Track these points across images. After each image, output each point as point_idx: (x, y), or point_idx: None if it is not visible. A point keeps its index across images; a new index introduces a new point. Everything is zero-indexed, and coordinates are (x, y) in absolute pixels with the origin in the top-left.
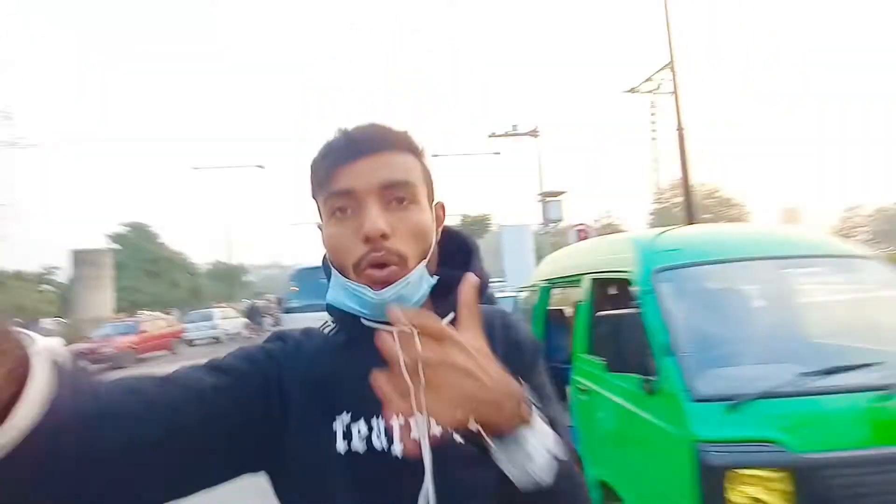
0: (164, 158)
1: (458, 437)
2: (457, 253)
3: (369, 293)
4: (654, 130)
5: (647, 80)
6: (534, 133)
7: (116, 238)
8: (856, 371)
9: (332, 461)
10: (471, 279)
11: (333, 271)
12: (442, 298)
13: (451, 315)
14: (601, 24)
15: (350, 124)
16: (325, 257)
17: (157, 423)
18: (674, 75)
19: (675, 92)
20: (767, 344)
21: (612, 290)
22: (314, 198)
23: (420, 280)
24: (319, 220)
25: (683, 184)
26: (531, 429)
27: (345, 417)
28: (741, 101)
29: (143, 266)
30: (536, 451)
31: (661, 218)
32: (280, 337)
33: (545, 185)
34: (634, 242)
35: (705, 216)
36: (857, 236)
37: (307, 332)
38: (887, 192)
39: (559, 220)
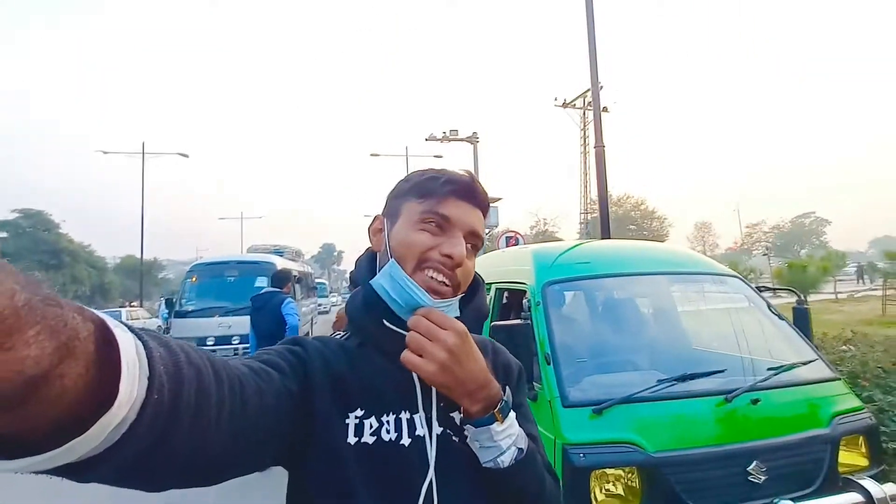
0: (69, 140)
1: (454, 435)
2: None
3: (426, 298)
4: (584, 144)
5: (579, 96)
6: (473, 139)
7: (4, 225)
8: (705, 378)
9: (343, 453)
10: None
11: (391, 262)
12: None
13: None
14: (545, 38)
15: (465, 168)
16: (367, 253)
17: (233, 399)
18: (596, 95)
19: (595, 111)
20: (637, 353)
21: (513, 300)
22: (398, 199)
23: (454, 307)
24: (385, 215)
25: (599, 199)
26: (500, 422)
27: (358, 413)
28: (668, 123)
29: (38, 258)
30: (502, 440)
31: (591, 227)
32: (299, 342)
33: None
34: (533, 256)
35: (631, 227)
36: (756, 249)
37: (323, 340)
38: (783, 212)
39: (495, 227)
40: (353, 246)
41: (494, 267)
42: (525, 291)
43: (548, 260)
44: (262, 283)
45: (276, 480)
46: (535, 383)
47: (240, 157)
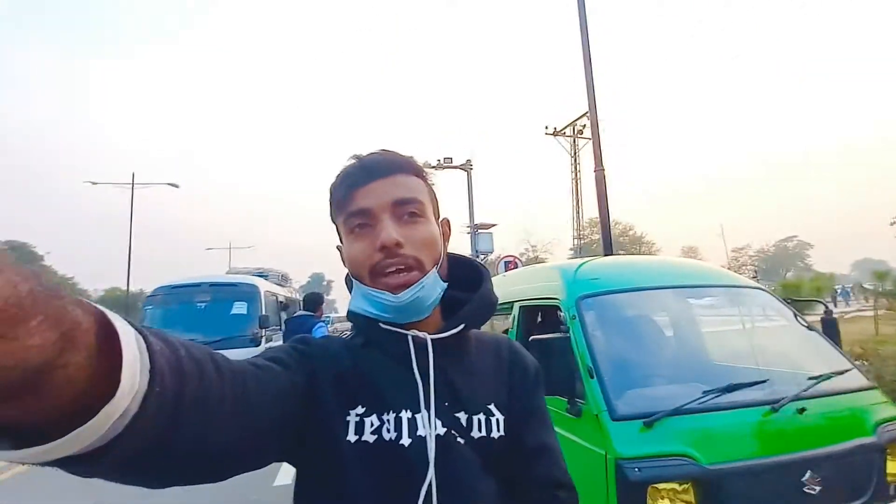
0: (54, 171)
1: (459, 436)
2: (467, 277)
3: (389, 297)
4: (575, 172)
5: (569, 124)
6: (467, 166)
7: None
8: (749, 388)
9: (342, 450)
10: None
11: (354, 282)
12: (451, 314)
13: (460, 327)
14: (537, 66)
15: (363, 151)
16: (346, 278)
17: (236, 393)
18: (594, 120)
19: (594, 134)
20: (677, 366)
21: (540, 317)
22: (333, 221)
23: (434, 284)
24: (339, 242)
25: (601, 221)
26: None
27: (359, 410)
28: (651, 148)
29: None
30: None
31: (582, 252)
32: (304, 341)
33: (476, 218)
34: (561, 271)
35: (620, 251)
36: (743, 272)
37: (327, 338)
38: (768, 236)
39: (489, 252)
40: (342, 274)
41: (513, 286)
42: (557, 307)
43: (576, 274)
44: (239, 309)
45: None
46: (576, 399)
47: (230, 187)
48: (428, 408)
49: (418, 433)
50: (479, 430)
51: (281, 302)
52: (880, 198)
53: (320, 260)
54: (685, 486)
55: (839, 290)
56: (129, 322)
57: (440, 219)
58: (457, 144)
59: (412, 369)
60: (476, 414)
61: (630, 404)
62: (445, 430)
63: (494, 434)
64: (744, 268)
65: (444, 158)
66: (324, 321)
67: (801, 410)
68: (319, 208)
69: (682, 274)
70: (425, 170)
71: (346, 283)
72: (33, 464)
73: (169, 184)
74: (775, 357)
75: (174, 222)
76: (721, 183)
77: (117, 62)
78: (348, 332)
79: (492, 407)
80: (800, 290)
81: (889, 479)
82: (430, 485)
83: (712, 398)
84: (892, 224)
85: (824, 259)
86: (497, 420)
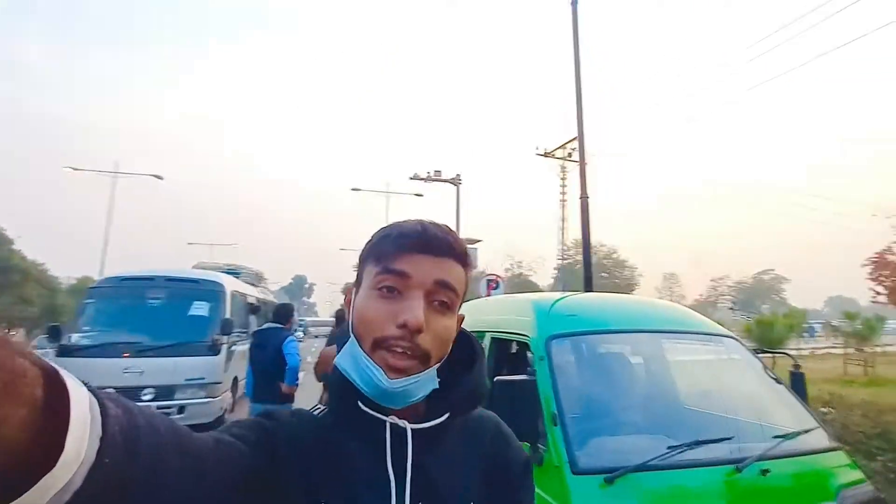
0: (37, 155)
1: None
2: (461, 355)
3: (382, 378)
4: (563, 193)
5: (559, 147)
6: (456, 180)
7: None
8: (715, 444)
9: None
10: None
11: (352, 338)
12: (439, 398)
13: (446, 416)
14: (530, 86)
15: (426, 219)
16: (349, 322)
17: (195, 469)
18: (581, 149)
19: (581, 163)
20: (644, 414)
21: (510, 351)
22: (362, 262)
23: (428, 381)
24: (355, 285)
25: (584, 248)
26: None
27: None
28: (637, 177)
29: None
30: None
31: (566, 274)
32: (271, 416)
33: (462, 232)
34: (534, 306)
35: (603, 274)
36: (720, 303)
37: (298, 413)
38: (746, 268)
39: (474, 269)
40: (325, 277)
41: (488, 314)
42: (526, 344)
43: (549, 311)
44: (199, 310)
45: None
46: (539, 445)
47: (216, 182)
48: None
49: None
50: None
51: (251, 304)
52: (857, 236)
53: (303, 262)
54: None
55: (808, 328)
56: (84, 383)
57: (458, 311)
58: (447, 158)
59: (386, 464)
60: None
61: (592, 457)
62: None
63: None
64: (722, 297)
65: (434, 171)
66: (294, 335)
67: (765, 472)
68: (308, 211)
69: (659, 318)
70: (470, 257)
71: (340, 330)
72: None
73: (153, 175)
74: (742, 410)
75: (157, 215)
76: (702, 207)
77: (113, 48)
78: (320, 407)
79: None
80: (774, 327)
81: None
82: None
83: (677, 454)
84: (862, 266)
85: (799, 293)
86: None
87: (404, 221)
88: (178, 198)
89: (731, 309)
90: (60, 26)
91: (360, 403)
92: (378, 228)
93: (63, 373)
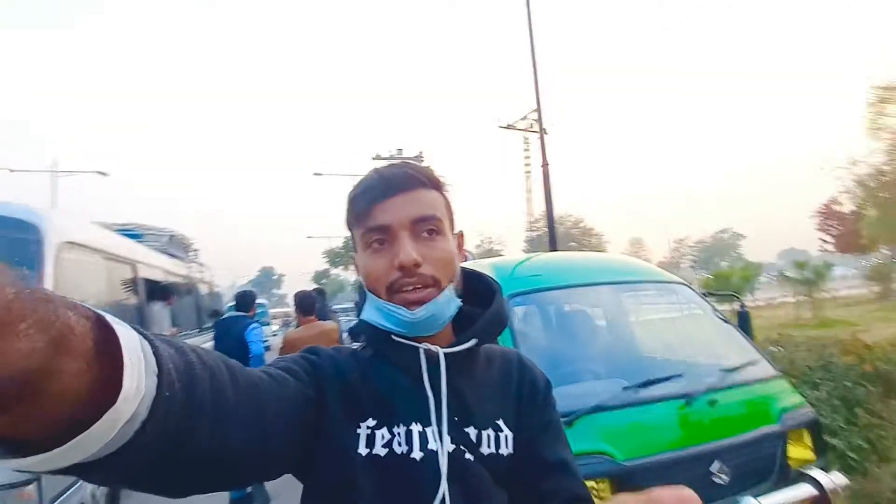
0: None
1: (469, 452)
2: (479, 292)
3: (405, 312)
4: (527, 165)
5: (521, 118)
6: (418, 158)
7: None
8: (666, 382)
9: (354, 463)
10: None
11: (369, 295)
12: (463, 330)
13: (472, 342)
14: (486, 60)
15: (383, 164)
16: (360, 285)
17: (250, 400)
18: (539, 118)
19: (540, 133)
20: (598, 363)
21: None
22: (350, 229)
23: (448, 301)
24: (354, 251)
25: (547, 215)
26: None
27: (370, 423)
28: (600, 141)
29: None
30: None
31: (535, 245)
32: (314, 351)
33: None
34: (494, 268)
35: (571, 244)
36: (682, 263)
37: (337, 349)
38: (706, 226)
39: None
40: (294, 268)
41: None
42: None
43: (508, 273)
44: None
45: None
46: None
47: (167, 175)
48: (439, 422)
49: (429, 447)
50: (489, 446)
51: (155, 281)
52: (808, 192)
53: (269, 254)
54: (602, 483)
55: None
56: (134, 328)
57: (455, 231)
58: (410, 136)
59: (423, 383)
60: (485, 429)
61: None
62: (455, 445)
63: (503, 451)
64: (684, 257)
65: (396, 150)
66: (257, 321)
67: (713, 402)
68: (271, 200)
69: (614, 270)
70: (444, 182)
71: (359, 294)
72: (45, 472)
73: (97, 171)
74: (693, 349)
75: (105, 215)
76: (669, 178)
77: (50, 32)
78: (358, 344)
79: (500, 423)
80: (730, 279)
81: (791, 463)
82: (443, 499)
83: (631, 394)
84: (810, 217)
85: (755, 249)
86: (506, 437)
87: (364, 176)
88: (128, 195)
89: (692, 267)
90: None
91: (393, 336)
92: (354, 187)
93: (110, 319)
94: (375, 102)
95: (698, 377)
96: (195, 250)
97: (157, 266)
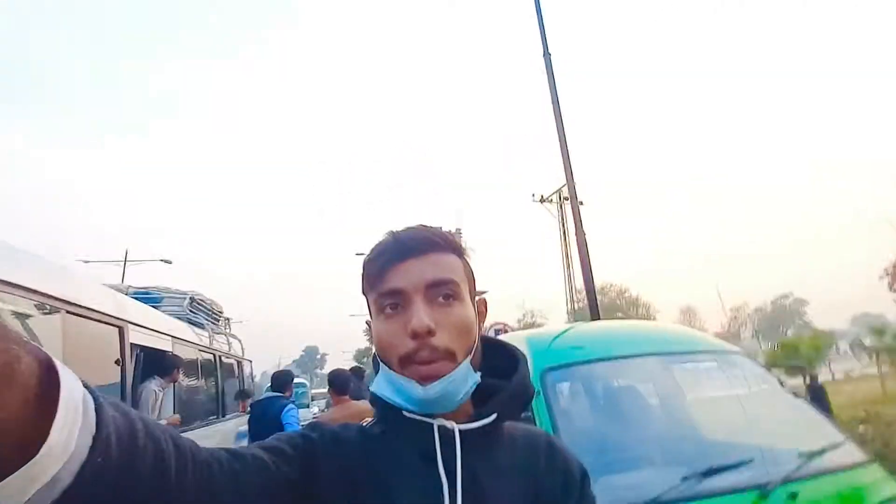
0: (43, 250)
1: None
2: (502, 362)
3: (416, 388)
4: (563, 237)
5: (554, 192)
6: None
7: None
8: (734, 470)
9: None
10: None
11: (381, 365)
12: (482, 402)
13: (492, 417)
14: (517, 133)
15: (399, 227)
16: (374, 354)
17: (199, 483)
18: (571, 189)
19: (573, 203)
20: (651, 447)
21: None
22: (365, 295)
23: (465, 376)
24: (369, 317)
25: (585, 284)
26: None
27: None
28: (641, 213)
29: None
30: None
31: (577, 317)
32: (314, 427)
33: None
34: (528, 341)
35: (618, 314)
36: (742, 333)
37: (343, 426)
38: (764, 293)
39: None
40: (338, 347)
41: None
42: None
43: (543, 344)
44: None
45: None
46: None
47: (220, 261)
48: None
49: None
50: None
51: (164, 352)
52: (875, 250)
53: (313, 333)
54: None
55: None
56: (84, 383)
57: (476, 297)
58: (446, 213)
59: (436, 465)
60: None
61: (599, 497)
62: None
63: None
64: (743, 327)
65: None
66: (294, 402)
67: (794, 495)
68: (313, 280)
69: (662, 340)
70: (463, 245)
71: (373, 363)
72: None
73: (162, 260)
74: (762, 432)
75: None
76: (720, 241)
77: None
78: (368, 421)
79: None
80: (799, 349)
81: None
82: None
83: (693, 484)
84: (880, 278)
85: (822, 315)
86: None
87: (380, 240)
88: (186, 281)
89: (753, 337)
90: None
91: (405, 413)
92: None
93: (59, 364)
94: (410, 180)
95: (772, 464)
96: (226, 318)
97: (160, 330)
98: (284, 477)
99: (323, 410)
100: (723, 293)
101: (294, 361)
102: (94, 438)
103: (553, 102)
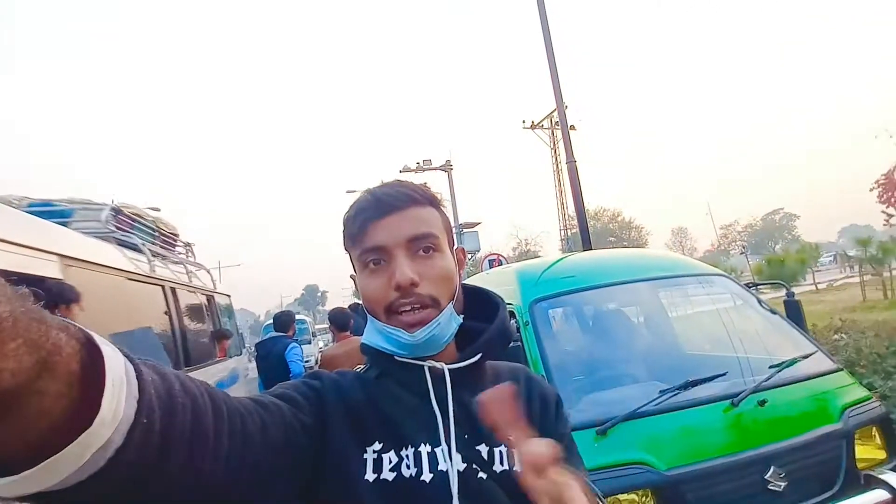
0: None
1: (481, 470)
2: (482, 307)
3: (404, 335)
4: (555, 163)
5: (545, 117)
6: (447, 167)
7: None
8: (707, 383)
9: (362, 490)
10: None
11: (369, 317)
12: (466, 344)
13: (477, 357)
14: (509, 60)
15: (377, 183)
16: (361, 304)
17: (234, 431)
18: (562, 114)
19: (562, 129)
20: (634, 365)
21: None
22: (347, 251)
23: (449, 320)
24: (353, 271)
25: (577, 213)
26: None
27: (376, 447)
28: (633, 132)
29: None
30: None
31: (572, 243)
32: (317, 376)
33: (461, 217)
34: (517, 274)
35: (611, 238)
36: (733, 249)
37: (340, 373)
38: (754, 209)
39: (476, 251)
40: (338, 284)
41: None
42: (513, 312)
43: (533, 277)
44: None
45: None
46: None
47: (212, 204)
48: (448, 441)
49: (439, 468)
50: (502, 463)
51: (60, 289)
52: (861, 160)
53: (313, 272)
54: (645, 495)
55: (829, 258)
56: (121, 349)
57: (454, 247)
58: (435, 145)
59: (430, 401)
60: (497, 446)
61: (583, 412)
62: (466, 464)
63: (518, 467)
64: (733, 244)
65: (424, 161)
66: (297, 341)
67: (762, 403)
68: (308, 218)
69: (642, 266)
70: (439, 198)
71: (361, 314)
72: (9, 498)
73: (150, 207)
74: (737, 345)
75: None
76: (706, 159)
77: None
78: (361, 367)
79: None
80: (784, 264)
81: (860, 465)
82: None
83: (669, 398)
84: (871, 190)
85: (811, 229)
86: None
87: (358, 197)
88: (176, 224)
89: (742, 254)
90: None
91: (396, 358)
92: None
93: (98, 340)
94: (401, 115)
95: (744, 375)
96: (186, 244)
97: (42, 249)
98: (301, 423)
99: (328, 345)
100: (715, 212)
101: (296, 300)
102: (138, 402)
103: (542, 21)
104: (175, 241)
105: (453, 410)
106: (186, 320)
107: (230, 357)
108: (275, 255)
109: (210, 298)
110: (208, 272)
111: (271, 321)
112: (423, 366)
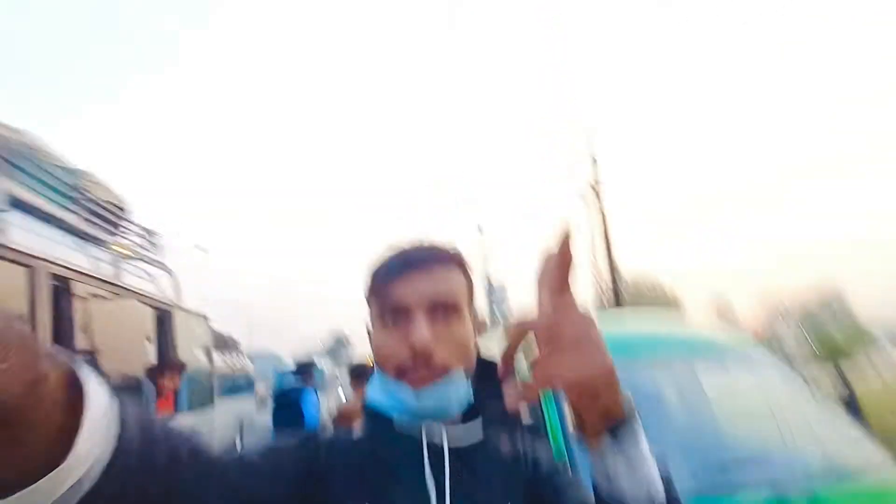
0: None
1: None
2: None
3: (408, 396)
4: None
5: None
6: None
7: None
8: (750, 478)
9: None
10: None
11: (377, 372)
12: (475, 414)
13: (479, 418)
14: (532, 119)
15: (406, 242)
16: (374, 361)
17: (216, 485)
18: (596, 176)
19: (595, 188)
20: (669, 447)
21: None
22: (367, 302)
23: (457, 386)
24: (369, 324)
25: (610, 271)
26: (636, 429)
27: None
28: (669, 201)
29: None
30: (647, 458)
31: (604, 302)
32: (310, 437)
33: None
34: None
35: (642, 302)
36: (781, 330)
37: (335, 436)
38: (807, 284)
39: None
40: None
41: None
42: None
43: None
44: None
45: None
46: None
47: (257, 251)
48: None
49: None
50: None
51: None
52: None
53: (341, 317)
54: None
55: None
56: (105, 384)
57: (474, 314)
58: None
59: (423, 471)
60: None
61: None
62: None
63: None
64: (782, 322)
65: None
66: (314, 389)
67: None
68: (342, 268)
69: (682, 339)
70: (466, 260)
71: (375, 371)
72: None
73: (197, 247)
74: (782, 435)
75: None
76: (760, 230)
77: None
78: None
79: None
80: (838, 346)
81: None
82: None
83: (707, 485)
84: None
85: (871, 308)
86: None
87: (386, 253)
88: (227, 276)
89: (790, 330)
90: None
91: (395, 425)
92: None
93: (84, 373)
94: (427, 168)
95: (793, 473)
96: (146, 229)
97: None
98: (290, 484)
99: (347, 400)
100: (763, 285)
101: (325, 349)
102: (117, 440)
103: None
104: (115, 216)
105: (450, 479)
106: (88, 334)
107: (182, 408)
108: (299, 302)
109: (164, 315)
110: (171, 274)
111: (283, 370)
112: (419, 428)
